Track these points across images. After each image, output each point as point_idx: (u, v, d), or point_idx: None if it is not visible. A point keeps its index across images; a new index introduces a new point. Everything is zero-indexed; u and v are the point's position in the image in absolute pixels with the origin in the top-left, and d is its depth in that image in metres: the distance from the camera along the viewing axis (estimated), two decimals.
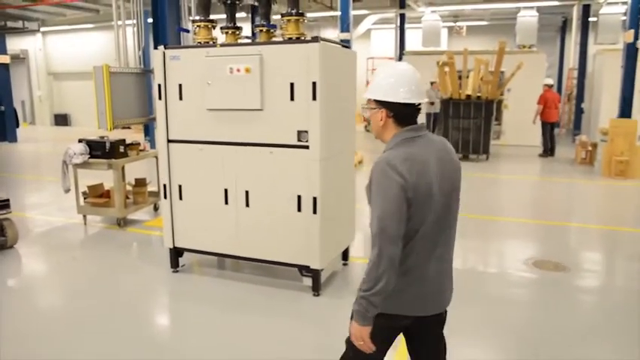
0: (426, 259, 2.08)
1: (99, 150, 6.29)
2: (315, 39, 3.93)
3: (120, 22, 6.58)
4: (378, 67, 2.33)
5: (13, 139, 17.01)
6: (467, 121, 11.91)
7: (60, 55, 24.92)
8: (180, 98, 4.54)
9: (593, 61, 16.45)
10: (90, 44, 23.10)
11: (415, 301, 2.11)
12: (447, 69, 11.73)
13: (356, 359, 2.17)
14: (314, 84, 3.96)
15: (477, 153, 12.11)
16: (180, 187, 4.71)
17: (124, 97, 5.68)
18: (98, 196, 6.76)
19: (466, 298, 4.44)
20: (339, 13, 13.12)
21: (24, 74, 25.53)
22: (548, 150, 12.94)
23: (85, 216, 6.70)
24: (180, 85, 4.52)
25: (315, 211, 4.15)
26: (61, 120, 25.56)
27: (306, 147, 4.11)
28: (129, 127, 15.49)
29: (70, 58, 24.33)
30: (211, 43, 4.54)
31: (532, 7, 16.59)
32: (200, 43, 4.54)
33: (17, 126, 17.58)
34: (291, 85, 4.06)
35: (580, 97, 16.38)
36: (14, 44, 23.59)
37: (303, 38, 4.16)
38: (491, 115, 12.02)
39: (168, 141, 4.68)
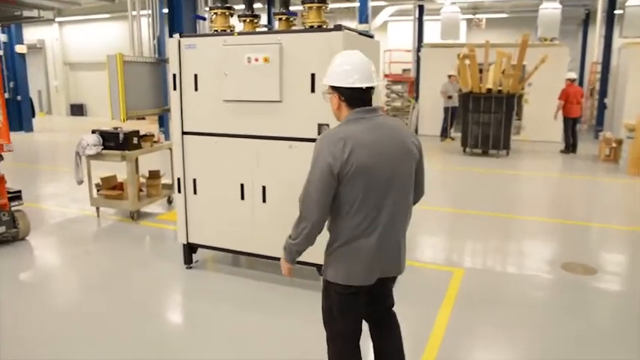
0: (367, 234, 2.26)
1: (112, 141, 6.17)
2: (338, 27, 3.73)
3: (134, 12, 6.42)
4: (335, 56, 2.41)
5: (29, 128, 17.05)
6: (487, 115, 11.61)
7: (76, 45, 24.95)
8: (196, 89, 4.37)
9: (617, 54, 15.99)
10: (106, 34, 23.06)
11: (358, 271, 2.31)
12: (467, 62, 11.43)
13: (334, 337, 2.53)
14: None
15: (496, 148, 11.81)
16: (194, 180, 4.56)
17: (138, 88, 5.52)
18: (111, 188, 6.65)
19: (494, 301, 4.26)
20: (356, 4, 12.88)
21: (41, 64, 25.64)
22: (570, 146, 12.59)
23: (98, 208, 6.60)
24: (195, 75, 4.35)
25: None
26: (77, 110, 25.64)
27: None
28: (143, 118, 15.46)
29: (86, 48, 24.33)
30: (229, 31, 4.35)
31: None
32: (217, 31, 4.36)
33: (33, 116, 17.62)
34: (312, 75, 3.86)
35: (603, 92, 15.92)
36: (31, 34, 23.70)
37: (325, 27, 3.95)
38: (513, 110, 11.69)
39: (183, 133, 4.52)
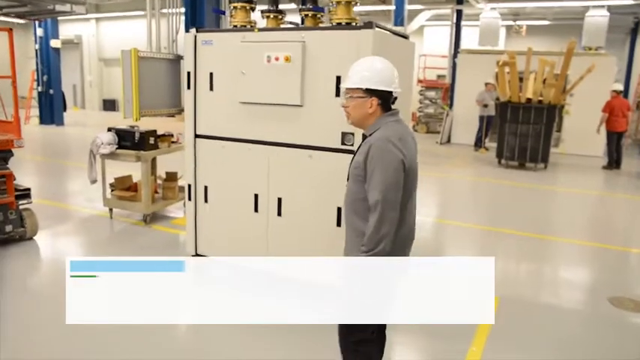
0: (410, 216, 2.46)
1: (128, 140, 5.88)
2: (369, 25, 3.32)
3: (153, 5, 6.11)
4: (361, 60, 2.49)
5: (60, 122, 17.15)
6: (526, 126, 10.96)
7: (111, 41, 25.16)
8: (211, 88, 4.03)
9: None
10: (140, 31, 23.16)
11: (404, 242, 2.46)
12: (507, 69, 10.82)
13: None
14: None
15: (534, 161, 11.14)
16: (206, 188, 4.21)
17: (154, 85, 5.21)
18: (126, 189, 6.37)
19: (532, 337, 3.76)
20: (391, 7, 12.42)
21: (77, 59, 25.99)
22: (614, 162, 11.82)
23: (111, 209, 6.33)
24: (211, 74, 4.01)
25: None
26: (110, 105, 25.87)
27: (352, 152, 3.49)
28: (173, 116, 15.28)
29: (120, 45, 24.10)
30: (249, 27, 3.99)
31: (602, 7, 15.31)
32: (236, 26, 4.00)
33: (64, 109, 17.73)
34: (338, 78, 3.46)
35: None
36: (69, 30, 24.02)
37: (354, 24, 3.54)
38: (553, 122, 11.03)
39: (196, 136, 4.18)
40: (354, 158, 2.44)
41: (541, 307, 4.40)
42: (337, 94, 3.48)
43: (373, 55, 3.29)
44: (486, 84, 13.20)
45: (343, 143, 3.53)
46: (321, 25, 3.95)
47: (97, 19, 24.82)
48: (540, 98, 10.76)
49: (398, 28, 10.80)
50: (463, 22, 17.55)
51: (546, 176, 10.80)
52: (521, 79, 11.09)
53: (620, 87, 12.00)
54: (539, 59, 10.60)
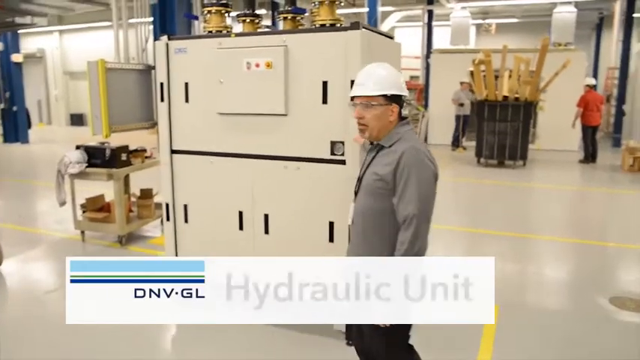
0: None
1: (98, 158, 5.53)
2: (356, 25, 3.09)
3: (120, 13, 5.77)
4: (373, 65, 2.36)
5: (25, 139, 16.47)
6: (503, 124, 10.93)
7: (76, 53, 24.40)
8: (187, 100, 3.74)
9: (636, 59, 15.32)
10: (107, 42, 22.48)
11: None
12: (482, 68, 10.78)
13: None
14: (353, 82, 3.10)
15: (513, 159, 11.12)
16: (185, 207, 3.91)
17: (124, 98, 4.89)
18: (98, 209, 6.00)
19: (538, 344, 3.58)
20: (364, 9, 12.29)
21: (41, 73, 25.14)
22: (590, 156, 11.91)
23: (83, 231, 5.95)
24: (186, 84, 3.72)
25: None
26: (77, 120, 25.08)
27: (342, 162, 3.27)
28: (149, 128, 14.72)
29: (86, 57, 23.22)
30: (225, 32, 3.72)
31: (569, 3, 15.51)
32: (211, 32, 3.73)
33: (29, 126, 17.05)
34: (324, 84, 3.23)
35: (621, 99, 15.24)
36: (31, 43, 23.21)
37: (339, 25, 3.31)
38: (530, 118, 11.05)
39: (172, 151, 3.88)
40: (371, 170, 2.27)
41: (541, 310, 4.25)
42: (324, 101, 3.25)
43: (361, 58, 3.09)
44: (461, 83, 13.18)
45: (333, 153, 3.30)
46: (301, 27, 3.71)
47: (61, 32, 24.07)
48: (516, 95, 10.75)
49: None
50: (434, 23, 17.57)
51: (526, 173, 10.79)
52: (496, 77, 11.07)
53: (594, 81, 12.10)
54: (515, 57, 10.59)
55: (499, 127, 10.98)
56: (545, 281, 4.95)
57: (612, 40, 16.80)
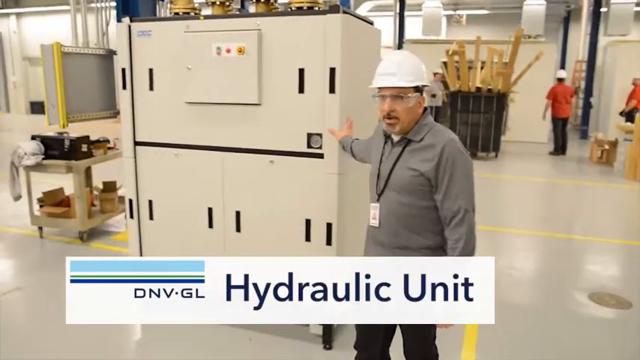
0: None
1: (56, 149, 5.17)
2: (335, 8, 2.87)
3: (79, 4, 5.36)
4: (400, 53, 2.22)
5: None
6: (477, 115, 10.93)
7: (36, 38, 23.34)
8: (151, 88, 3.45)
9: (603, 53, 15.55)
10: (68, 27, 21.61)
11: None
12: (456, 59, 10.70)
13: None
14: (332, 70, 2.90)
15: (486, 150, 11.14)
16: (150, 203, 3.64)
17: (83, 85, 4.54)
18: (57, 203, 5.64)
19: (518, 342, 3.48)
20: None
21: None
22: (560, 148, 12.04)
23: (40, 227, 5.58)
24: (150, 71, 3.43)
25: (329, 242, 3.11)
26: (38, 108, 23.99)
27: (320, 155, 3.06)
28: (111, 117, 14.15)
29: (46, 43, 22.78)
30: (193, 14, 3.44)
31: None
32: (177, 14, 3.44)
33: None
34: (301, 71, 3.00)
35: (589, 91, 15.48)
36: None
37: (317, 8, 3.08)
38: (503, 110, 11.09)
39: (136, 143, 3.59)
40: (403, 166, 2.14)
41: (520, 308, 4.14)
42: (301, 89, 3.02)
43: (341, 44, 2.87)
44: (434, 74, 13.09)
45: (309, 146, 3.08)
46: (276, 10, 3.46)
47: (18, 14, 22.96)
48: (489, 87, 10.74)
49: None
50: (406, 13, 17.45)
51: (498, 165, 10.82)
52: (469, 69, 11.02)
53: (564, 74, 12.22)
54: (488, 48, 10.57)
55: (472, 119, 10.97)
56: (521, 277, 4.87)
57: (580, 33, 17.02)
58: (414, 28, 18.25)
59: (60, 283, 4.32)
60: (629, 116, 12.25)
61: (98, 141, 5.64)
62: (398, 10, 16.91)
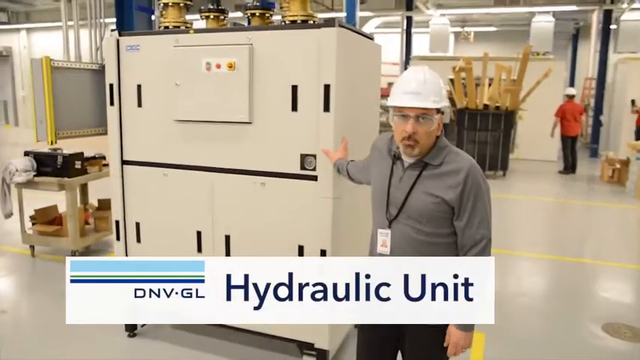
0: None
1: (49, 165, 5.03)
2: (331, 22, 2.71)
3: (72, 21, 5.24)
4: (421, 70, 2.01)
5: None
6: (484, 133, 10.72)
7: (45, 53, 23.54)
8: (140, 104, 3.30)
9: (613, 70, 15.33)
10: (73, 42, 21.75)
11: None
12: (463, 75, 10.54)
13: None
14: (327, 88, 2.72)
15: (494, 169, 10.90)
16: (138, 225, 3.46)
17: (74, 101, 4.41)
18: (49, 221, 5.48)
19: None
20: (342, 14, 11.95)
21: (8, 73, 24.19)
22: (570, 167, 11.77)
23: (32, 246, 5.41)
24: (139, 87, 3.29)
25: None
26: None
27: (314, 178, 2.87)
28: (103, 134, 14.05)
29: (56, 57, 22.93)
30: (183, 28, 3.30)
31: (548, 12, 15.49)
32: (167, 27, 3.30)
33: None
34: (294, 88, 2.83)
35: (598, 109, 15.24)
36: None
37: (312, 22, 2.92)
38: (511, 128, 10.87)
39: (123, 162, 3.44)
40: (422, 191, 2.00)
41: (530, 338, 3.90)
42: (294, 107, 2.85)
43: (336, 59, 2.70)
44: None
45: (303, 167, 2.90)
46: (271, 25, 3.32)
47: (28, 30, 23.18)
48: (497, 104, 10.55)
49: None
50: (413, 29, 17.39)
51: (507, 184, 10.57)
52: (476, 85, 10.86)
53: (574, 92, 12.00)
54: (496, 64, 10.41)
55: (479, 137, 10.76)
56: (530, 304, 4.63)
57: (589, 50, 16.83)
58: (421, 45, 18.18)
59: (42, 306, 4.17)
60: (638, 134, 12.02)
61: (94, 157, 5.50)
62: (405, 27, 16.84)
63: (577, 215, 8.54)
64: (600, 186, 10.48)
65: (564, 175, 11.60)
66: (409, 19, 16.85)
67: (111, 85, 3.33)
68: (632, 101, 12.36)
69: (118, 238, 3.52)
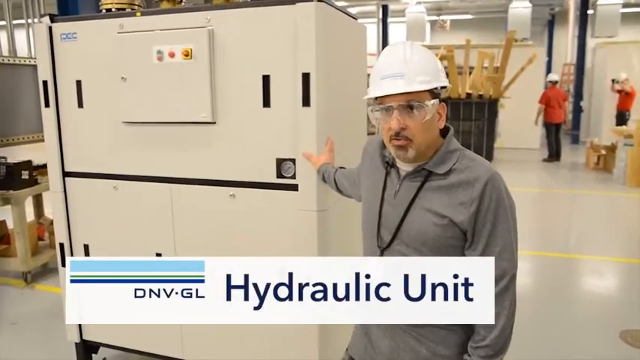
0: None
1: None
2: None
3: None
4: (402, 45, 1.48)
5: None
6: (468, 123, 10.38)
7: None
8: (80, 104, 2.75)
9: (592, 55, 15.17)
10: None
11: None
12: (445, 64, 10.15)
13: None
14: (306, 77, 2.21)
15: None
16: (86, 247, 2.91)
17: (10, 102, 3.81)
18: None
19: None
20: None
21: None
22: (554, 154, 11.54)
23: None
24: (78, 83, 2.73)
25: None
26: None
27: (294, 187, 2.36)
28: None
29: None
30: (129, 10, 2.75)
31: None
32: (109, 10, 2.75)
33: None
34: (265, 79, 2.32)
35: (579, 95, 15.07)
36: None
37: None
38: (495, 117, 10.56)
39: (65, 174, 2.88)
40: (424, 208, 1.48)
41: (546, 350, 3.48)
42: (266, 102, 2.34)
43: (316, 42, 2.20)
44: None
45: (280, 175, 2.39)
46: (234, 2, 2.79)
47: None
48: (480, 93, 10.21)
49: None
50: (389, 19, 17.01)
51: None
52: (459, 74, 10.50)
53: (556, 77, 11.78)
54: (479, 52, 10.08)
55: (463, 127, 10.43)
56: (532, 307, 4.22)
57: (566, 36, 16.69)
58: (398, 35, 17.82)
59: None
60: (619, 118, 11.86)
61: (45, 166, 4.89)
62: (381, 17, 16.45)
63: (569, 205, 8.26)
64: (586, 173, 10.25)
65: (549, 163, 11.38)
66: (385, 8, 16.48)
67: (44, 83, 2.76)
68: (613, 80, 12.22)
69: (63, 264, 2.96)
